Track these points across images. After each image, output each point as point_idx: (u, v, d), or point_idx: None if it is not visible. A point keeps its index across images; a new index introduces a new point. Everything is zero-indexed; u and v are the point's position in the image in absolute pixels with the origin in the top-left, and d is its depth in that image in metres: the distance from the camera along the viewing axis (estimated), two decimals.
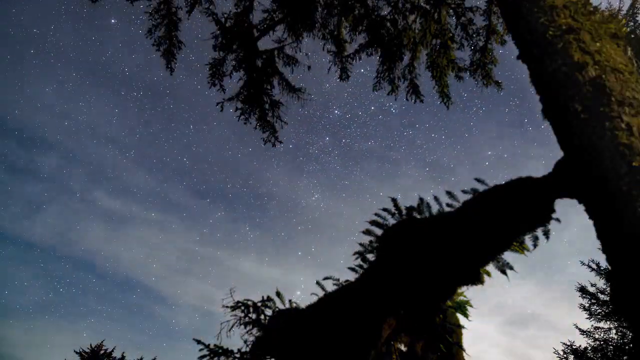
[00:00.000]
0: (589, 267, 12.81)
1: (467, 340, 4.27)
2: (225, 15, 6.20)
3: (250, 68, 6.50)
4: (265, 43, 6.68)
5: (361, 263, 4.33)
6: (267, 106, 6.81)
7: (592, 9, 2.35)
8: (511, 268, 3.78)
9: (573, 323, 13.18)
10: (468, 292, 4.77)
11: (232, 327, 3.49)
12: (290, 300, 3.77)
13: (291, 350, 3.13)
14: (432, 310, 3.91)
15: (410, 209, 4.16)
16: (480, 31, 6.69)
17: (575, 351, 12.52)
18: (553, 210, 2.85)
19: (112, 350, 18.01)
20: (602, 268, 12.73)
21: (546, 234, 3.35)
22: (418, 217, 4.04)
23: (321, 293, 3.76)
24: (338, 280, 4.13)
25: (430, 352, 3.88)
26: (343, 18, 6.58)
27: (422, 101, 7.04)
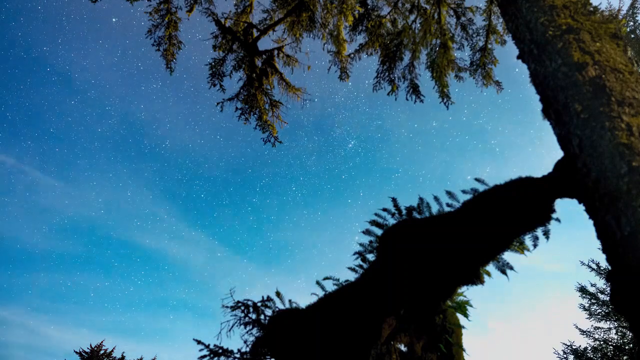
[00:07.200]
0: (589, 267, 12.81)
1: (467, 340, 4.27)
2: (225, 15, 6.20)
3: (250, 68, 6.50)
4: (265, 43, 6.68)
5: (361, 263, 4.33)
6: (266, 106, 6.81)
7: (592, 9, 2.35)
8: (511, 268, 3.78)
9: (573, 323, 13.18)
10: (468, 292, 4.77)
11: (232, 327, 3.48)
12: (290, 300, 3.77)
13: (291, 350, 3.13)
14: (432, 310, 3.91)
15: (410, 208, 4.16)
16: (480, 31, 6.70)
17: (575, 351, 12.52)
18: (553, 210, 2.85)
19: (112, 351, 18.02)
20: (602, 268, 12.72)
21: (546, 234, 3.35)
22: (418, 217, 4.04)
23: (321, 293, 3.77)
24: (338, 280, 4.13)
25: (430, 352, 3.88)
26: (343, 18, 6.59)
27: (422, 101, 7.04)
